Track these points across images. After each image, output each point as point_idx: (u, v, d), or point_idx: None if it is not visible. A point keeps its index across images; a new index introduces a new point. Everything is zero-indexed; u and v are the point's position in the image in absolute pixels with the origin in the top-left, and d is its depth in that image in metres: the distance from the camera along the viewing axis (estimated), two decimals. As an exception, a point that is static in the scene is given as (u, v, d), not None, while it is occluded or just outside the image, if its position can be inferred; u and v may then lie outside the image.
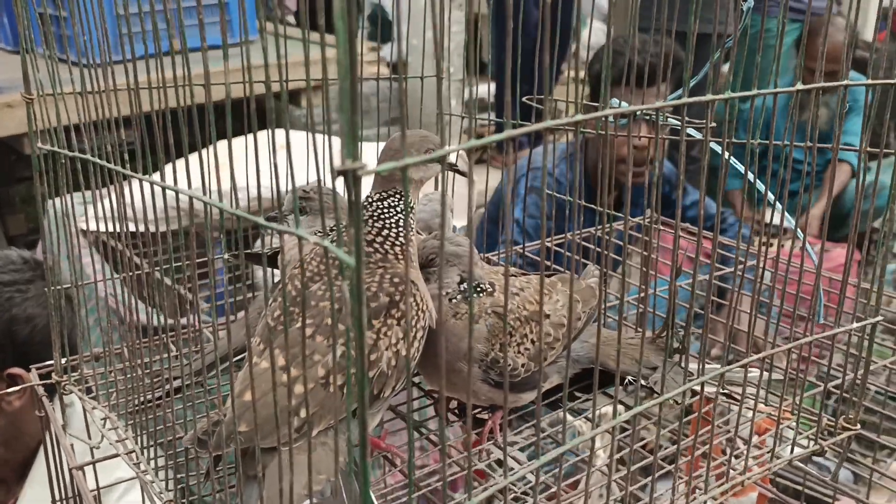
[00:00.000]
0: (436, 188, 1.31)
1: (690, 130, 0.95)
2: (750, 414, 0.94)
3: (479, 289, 1.03)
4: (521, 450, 1.15)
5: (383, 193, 0.96)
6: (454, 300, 1.02)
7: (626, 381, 1.11)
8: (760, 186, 0.88)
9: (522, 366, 1.02)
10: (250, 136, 0.68)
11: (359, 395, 0.49)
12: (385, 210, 0.96)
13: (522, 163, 2.66)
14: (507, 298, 0.54)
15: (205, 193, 0.69)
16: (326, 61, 0.59)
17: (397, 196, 0.96)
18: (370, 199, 0.96)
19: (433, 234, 1.05)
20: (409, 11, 3.53)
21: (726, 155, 0.84)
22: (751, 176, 0.90)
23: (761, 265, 0.89)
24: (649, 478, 0.96)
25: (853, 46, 0.78)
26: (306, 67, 0.59)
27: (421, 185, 1.03)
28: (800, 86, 0.71)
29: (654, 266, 1.32)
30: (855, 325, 0.85)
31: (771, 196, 0.91)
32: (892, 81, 0.76)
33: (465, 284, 1.03)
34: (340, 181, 0.58)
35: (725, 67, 0.80)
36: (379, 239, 0.95)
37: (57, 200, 1.01)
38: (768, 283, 0.95)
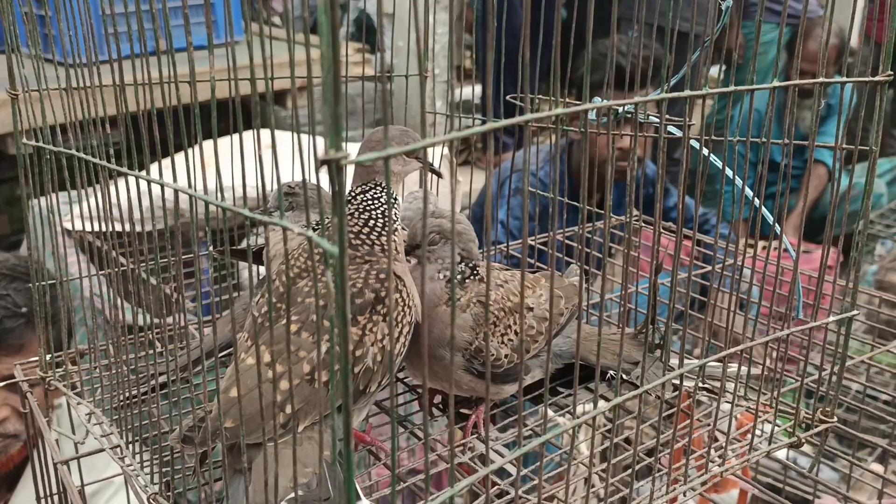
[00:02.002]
0: (420, 187, 1.32)
1: (670, 128, 0.96)
2: (729, 408, 0.95)
3: (475, 271, 1.04)
4: (505, 446, 1.16)
5: (364, 186, 0.97)
6: (455, 279, 1.02)
7: (608, 375, 1.12)
8: (740, 182, 0.89)
9: (506, 356, 1.03)
10: (236, 136, 0.69)
11: (343, 383, 0.50)
12: (369, 202, 0.96)
13: (507, 165, 2.67)
14: (489, 285, 0.55)
15: (190, 189, 0.69)
16: (311, 61, 0.60)
17: (379, 188, 0.97)
18: (353, 193, 0.97)
19: (431, 214, 1.04)
20: (393, 13, 3.53)
21: (705, 152, 0.85)
22: (730, 173, 0.91)
23: (740, 263, 0.90)
24: (628, 471, 0.97)
25: (833, 47, 0.79)
26: (291, 67, 0.60)
27: (401, 180, 1.03)
28: (776, 82, 0.72)
29: (636, 264, 1.34)
30: (832, 318, 0.86)
31: (749, 192, 0.92)
32: (867, 79, 0.78)
33: (464, 264, 1.03)
34: (324, 176, 0.58)
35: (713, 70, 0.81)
36: (366, 230, 0.96)
37: (42, 199, 1.01)
38: (748, 280, 0.97)
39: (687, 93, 0.67)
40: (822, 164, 3.66)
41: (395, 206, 0.98)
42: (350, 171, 1.20)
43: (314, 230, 1.08)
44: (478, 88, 4.37)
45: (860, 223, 0.85)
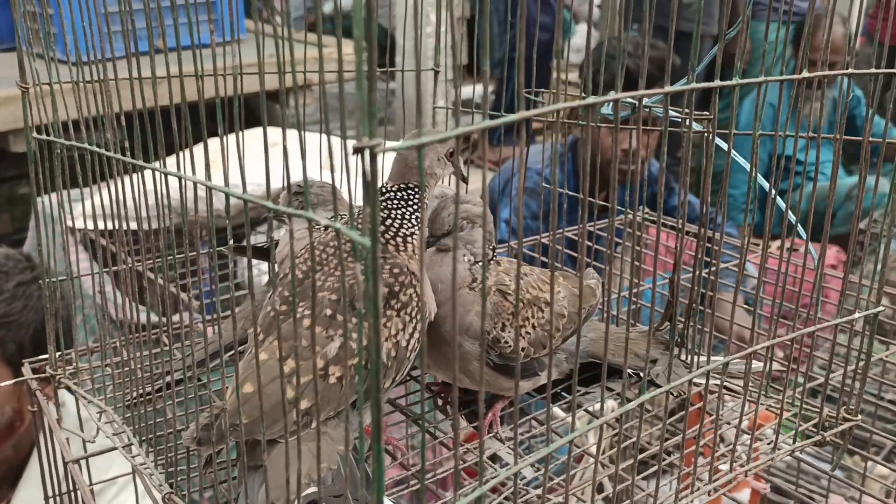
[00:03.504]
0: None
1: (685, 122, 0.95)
2: (748, 406, 0.94)
3: (494, 252, 1.04)
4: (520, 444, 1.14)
5: (401, 185, 0.96)
6: (480, 262, 1.01)
7: (627, 373, 1.10)
8: (763, 184, 0.88)
9: (522, 350, 1.01)
10: (249, 131, 0.68)
11: (373, 378, 0.49)
12: (396, 201, 0.96)
13: (510, 164, 2.66)
14: (519, 270, 0.54)
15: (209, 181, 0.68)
16: (323, 60, 0.58)
17: (411, 190, 0.96)
18: (384, 189, 0.96)
19: (452, 198, 1.03)
20: (406, 10, 3.53)
21: (724, 146, 0.84)
22: (747, 165, 0.90)
23: (757, 262, 0.89)
24: (644, 473, 0.96)
25: (840, 36, 0.78)
26: (285, 65, 0.59)
27: (435, 182, 1.02)
28: (805, 73, 0.71)
29: (644, 262, 1.32)
30: (858, 314, 0.85)
31: (764, 183, 0.91)
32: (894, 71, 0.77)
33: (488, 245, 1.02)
34: (332, 175, 0.57)
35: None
36: (381, 228, 0.95)
37: (48, 196, 1.00)
38: (766, 279, 0.96)
39: (716, 83, 0.66)
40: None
41: (417, 212, 0.97)
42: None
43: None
44: (479, 87, 4.36)
45: (887, 219, 0.84)
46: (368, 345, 0.48)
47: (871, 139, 0.80)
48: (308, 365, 0.84)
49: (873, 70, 0.76)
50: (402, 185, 0.97)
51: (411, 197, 0.96)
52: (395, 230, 0.96)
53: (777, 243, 2.61)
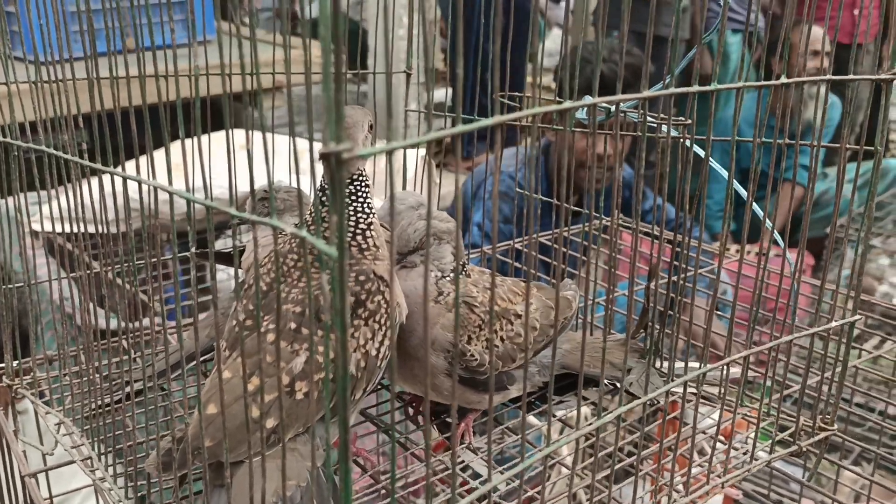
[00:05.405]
0: (404, 187, 1.29)
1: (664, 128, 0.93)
2: (724, 415, 0.93)
3: (464, 268, 1.03)
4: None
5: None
6: (447, 277, 1.00)
7: (602, 384, 1.09)
8: (741, 191, 0.87)
9: (489, 363, 0.99)
10: (215, 134, 0.65)
11: (340, 394, 0.46)
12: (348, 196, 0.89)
13: (482, 168, 2.64)
14: (494, 283, 0.51)
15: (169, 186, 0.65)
16: (288, 62, 0.56)
17: (354, 182, 0.89)
18: (324, 186, 0.88)
19: (418, 215, 1.01)
20: (378, 11, 3.51)
21: (702, 152, 0.83)
22: (725, 173, 0.89)
23: (727, 268, 0.88)
24: (620, 484, 0.95)
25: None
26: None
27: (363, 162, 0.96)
28: (784, 79, 0.70)
29: (616, 268, 1.31)
30: (835, 323, 0.84)
31: (744, 192, 0.90)
32: (873, 77, 0.75)
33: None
34: (298, 180, 0.55)
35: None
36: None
37: (7, 200, 0.97)
38: (743, 287, 0.94)
39: (695, 88, 0.64)
40: (799, 185, 3.59)
41: (367, 200, 0.91)
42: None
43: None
44: (450, 92, 4.36)
45: (864, 226, 0.83)
46: (335, 358, 0.46)
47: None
48: (273, 382, 0.81)
49: (852, 76, 0.75)
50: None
51: (357, 189, 0.89)
52: (352, 228, 0.89)
53: (750, 249, 2.61)
